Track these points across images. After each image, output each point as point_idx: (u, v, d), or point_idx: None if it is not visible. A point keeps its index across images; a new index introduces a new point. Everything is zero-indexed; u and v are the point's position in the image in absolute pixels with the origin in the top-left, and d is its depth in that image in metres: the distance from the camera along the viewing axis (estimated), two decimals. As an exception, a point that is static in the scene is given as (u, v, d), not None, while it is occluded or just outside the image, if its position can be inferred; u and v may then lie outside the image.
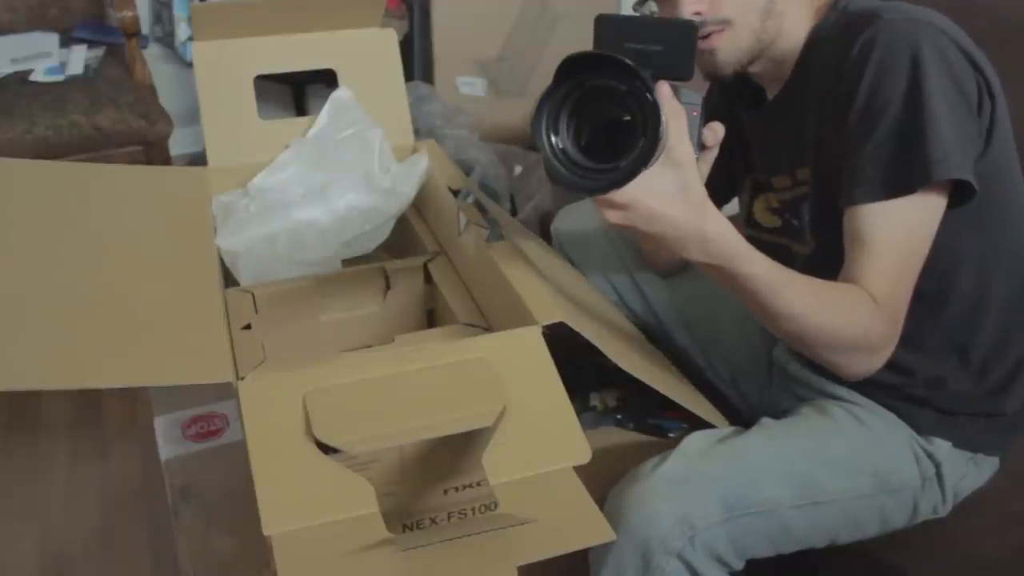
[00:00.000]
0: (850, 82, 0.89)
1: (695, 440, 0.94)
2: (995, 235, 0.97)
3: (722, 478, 0.91)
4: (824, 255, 0.98)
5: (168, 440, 1.06)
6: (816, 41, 0.97)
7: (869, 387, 0.99)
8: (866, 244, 0.88)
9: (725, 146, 0.90)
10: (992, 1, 1.85)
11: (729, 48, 0.95)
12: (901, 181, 0.87)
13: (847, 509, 0.97)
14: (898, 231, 0.88)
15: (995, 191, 0.92)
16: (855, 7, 0.95)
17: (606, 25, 0.81)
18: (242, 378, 0.84)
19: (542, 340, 0.86)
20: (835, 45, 0.93)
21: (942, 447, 1.00)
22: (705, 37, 0.94)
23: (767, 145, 1.06)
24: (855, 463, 0.97)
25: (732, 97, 1.11)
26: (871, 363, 0.92)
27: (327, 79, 1.25)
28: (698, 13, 0.92)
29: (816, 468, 0.95)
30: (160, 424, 1.08)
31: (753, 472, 0.93)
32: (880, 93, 0.87)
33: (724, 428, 1.00)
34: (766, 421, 1.00)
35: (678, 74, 0.81)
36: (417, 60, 2.67)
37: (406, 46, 2.58)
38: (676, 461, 0.91)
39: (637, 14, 0.85)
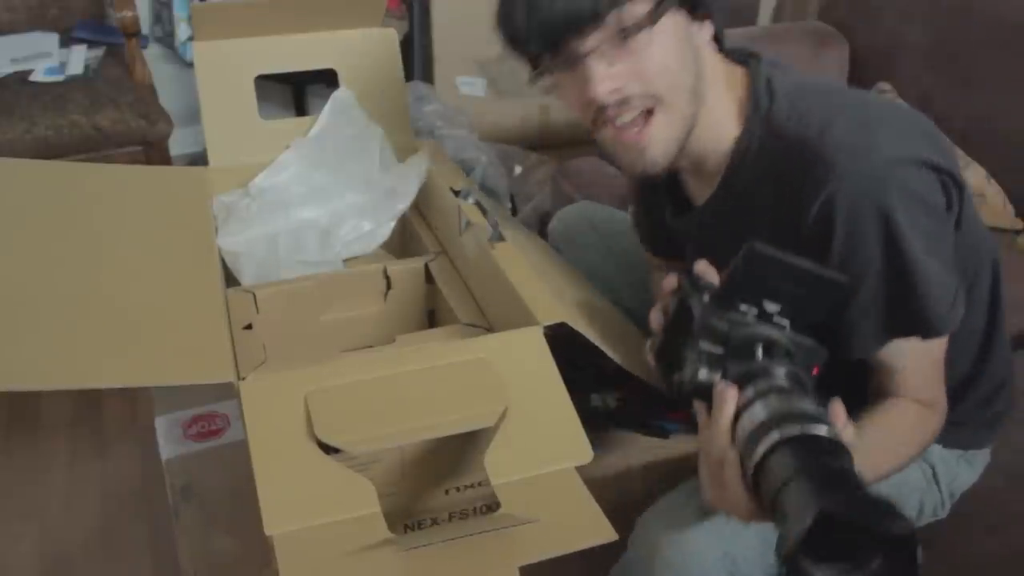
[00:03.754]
0: (817, 247, 0.82)
1: None
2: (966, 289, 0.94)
3: None
4: None
5: (169, 440, 1.06)
6: (744, 162, 0.89)
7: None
8: (896, 372, 0.87)
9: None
10: (992, 2, 1.85)
11: (664, 137, 0.86)
12: (903, 331, 0.85)
13: None
14: (919, 354, 0.86)
15: (963, 256, 0.89)
16: (785, 124, 0.85)
17: (754, 258, 0.73)
18: (243, 378, 0.84)
19: (543, 340, 0.86)
20: (772, 174, 0.86)
21: (933, 449, 0.99)
22: (632, 124, 0.85)
23: (701, 246, 0.95)
24: None
25: (659, 202, 1.04)
26: (931, 447, 0.94)
27: (327, 79, 1.25)
28: (616, 89, 0.83)
29: None
30: (161, 424, 1.08)
31: None
32: (855, 262, 0.81)
33: None
34: None
35: (807, 320, 0.76)
36: (417, 60, 2.67)
37: (406, 46, 2.58)
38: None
39: (790, 258, 0.73)
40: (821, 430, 0.64)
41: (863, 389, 0.90)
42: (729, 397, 0.70)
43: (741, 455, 0.68)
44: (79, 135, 2.03)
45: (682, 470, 0.97)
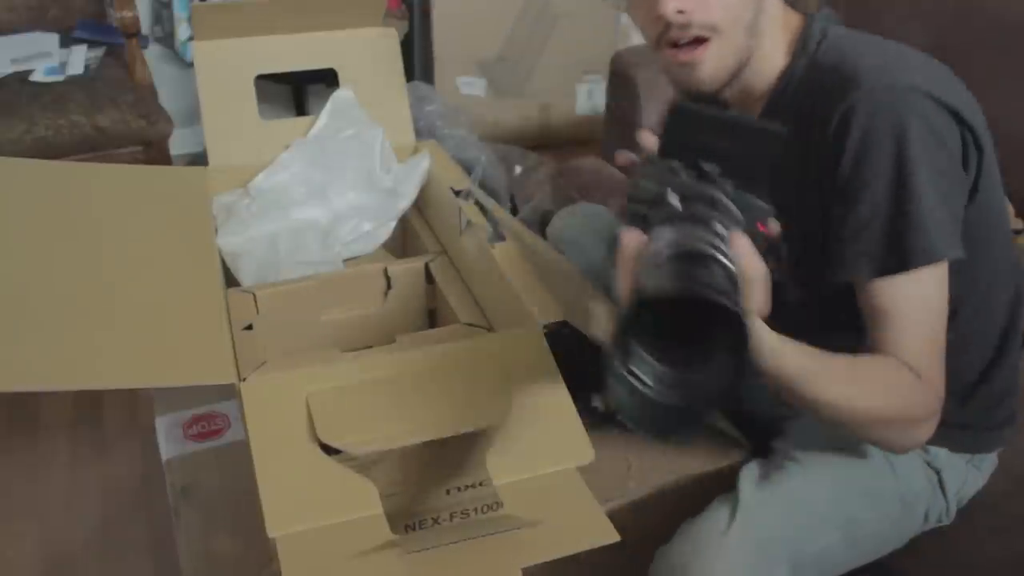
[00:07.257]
0: (831, 157, 0.86)
1: (748, 489, 0.94)
2: (982, 276, 0.94)
3: (785, 538, 0.91)
4: (809, 297, 0.94)
5: (169, 440, 1.06)
6: (786, 90, 0.93)
7: None
8: (887, 318, 0.85)
9: None
10: (992, 2, 1.85)
11: (715, 62, 0.89)
12: (894, 263, 0.84)
13: (881, 535, 0.98)
14: (913, 301, 0.85)
15: (980, 235, 0.89)
16: (826, 56, 0.90)
17: (681, 117, 0.72)
18: (244, 379, 0.83)
19: (544, 340, 0.86)
20: (809, 100, 0.89)
21: (939, 454, 0.99)
22: (689, 45, 0.88)
23: None
24: (881, 491, 0.97)
25: None
26: (919, 434, 0.87)
27: (327, 79, 1.25)
28: (681, 11, 0.86)
29: (853, 504, 0.96)
30: (161, 424, 1.08)
31: (807, 523, 0.93)
32: (863, 172, 0.84)
33: (760, 460, 0.99)
34: (799, 456, 0.99)
35: (748, 183, 0.72)
36: (417, 60, 2.67)
37: (406, 46, 2.58)
38: (745, 530, 0.89)
39: (719, 112, 0.74)
40: (716, 254, 0.61)
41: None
42: (630, 239, 0.66)
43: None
44: (79, 135, 2.03)
45: (706, 493, 0.97)
